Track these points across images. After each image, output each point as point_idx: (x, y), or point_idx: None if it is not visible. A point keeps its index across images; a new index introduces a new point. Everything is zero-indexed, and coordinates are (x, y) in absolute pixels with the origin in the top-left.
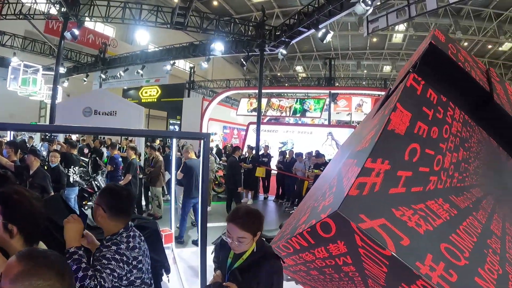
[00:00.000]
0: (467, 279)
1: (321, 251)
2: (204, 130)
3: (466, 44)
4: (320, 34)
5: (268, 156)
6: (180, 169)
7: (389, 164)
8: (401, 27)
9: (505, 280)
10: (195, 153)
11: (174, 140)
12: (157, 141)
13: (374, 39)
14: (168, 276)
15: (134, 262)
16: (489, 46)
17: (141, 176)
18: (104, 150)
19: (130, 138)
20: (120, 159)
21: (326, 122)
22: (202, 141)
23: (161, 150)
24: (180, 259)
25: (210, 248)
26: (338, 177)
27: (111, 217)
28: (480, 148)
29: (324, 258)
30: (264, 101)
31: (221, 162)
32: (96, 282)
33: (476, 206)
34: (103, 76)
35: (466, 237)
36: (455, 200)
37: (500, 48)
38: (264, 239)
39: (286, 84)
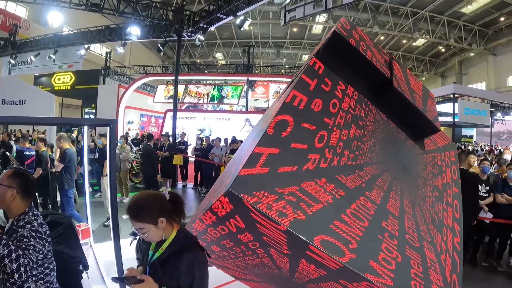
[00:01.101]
0: None
1: (208, 215)
2: (120, 119)
3: (382, 38)
4: (238, 21)
5: (185, 144)
6: (60, 159)
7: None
8: (321, 19)
9: (405, 268)
10: (73, 142)
11: (86, 129)
12: (75, 132)
13: (295, 29)
14: (87, 273)
15: (45, 236)
16: (404, 41)
17: (54, 169)
18: (12, 143)
19: (41, 129)
20: (29, 153)
21: (244, 109)
22: (108, 127)
23: (75, 142)
24: (99, 254)
25: (128, 240)
26: (238, 162)
27: (22, 198)
28: (376, 127)
29: (215, 224)
30: (181, 88)
31: (136, 152)
32: (28, 259)
33: (370, 185)
34: (13, 62)
35: (355, 223)
36: (343, 180)
37: (414, 44)
38: (185, 227)
39: (206, 71)
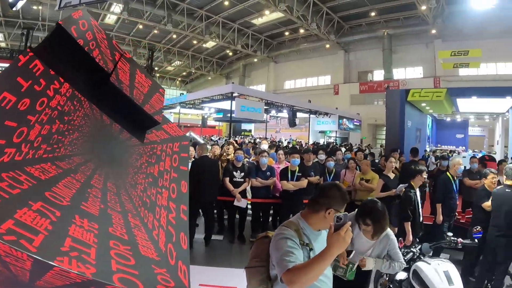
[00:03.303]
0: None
1: None
2: None
3: (174, 36)
4: None
5: None
6: None
7: None
8: (117, 9)
9: (106, 256)
10: None
11: None
12: None
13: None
14: None
15: None
16: (195, 42)
17: None
18: None
19: None
20: None
21: None
22: None
23: None
24: None
25: None
26: None
27: None
28: (85, 121)
29: None
30: None
31: None
32: None
33: (66, 176)
34: None
35: (42, 214)
36: (34, 172)
37: (204, 45)
38: None
39: None
